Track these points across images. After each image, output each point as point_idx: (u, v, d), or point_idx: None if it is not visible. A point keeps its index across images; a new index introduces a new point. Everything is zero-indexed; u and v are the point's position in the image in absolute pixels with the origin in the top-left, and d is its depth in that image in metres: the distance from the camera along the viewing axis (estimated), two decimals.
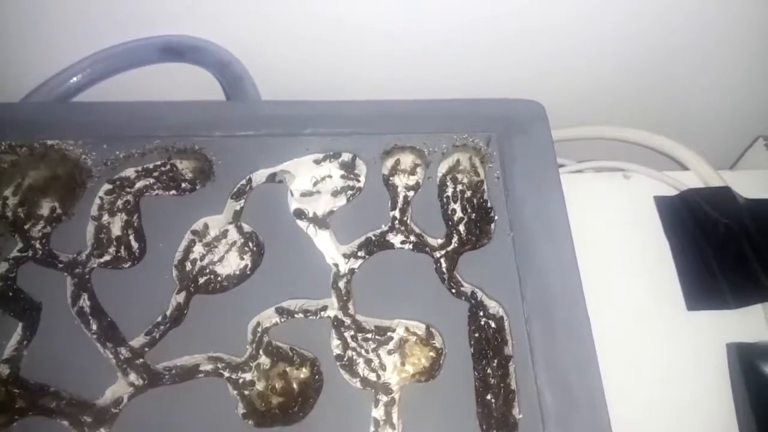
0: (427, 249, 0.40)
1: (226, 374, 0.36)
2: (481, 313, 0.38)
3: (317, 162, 0.43)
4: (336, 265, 0.39)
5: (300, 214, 0.41)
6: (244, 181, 0.41)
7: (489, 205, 0.41)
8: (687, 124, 0.58)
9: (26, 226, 0.39)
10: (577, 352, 0.36)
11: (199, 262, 0.39)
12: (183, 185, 0.41)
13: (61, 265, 0.38)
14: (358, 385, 0.36)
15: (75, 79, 0.49)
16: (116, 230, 0.40)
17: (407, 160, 0.43)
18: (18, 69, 0.50)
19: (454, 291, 0.38)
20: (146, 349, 0.36)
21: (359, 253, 0.40)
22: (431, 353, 0.37)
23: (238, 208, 0.40)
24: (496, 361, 0.36)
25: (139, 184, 0.41)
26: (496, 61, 0.53)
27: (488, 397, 0.35)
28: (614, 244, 0.46)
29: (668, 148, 0.51)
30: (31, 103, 0.47)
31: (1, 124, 0.42)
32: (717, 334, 0.43)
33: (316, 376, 0.36)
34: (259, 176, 0.41)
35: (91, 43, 0.49)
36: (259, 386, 0.36)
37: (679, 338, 0.43)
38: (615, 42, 0.52)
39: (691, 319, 0.44)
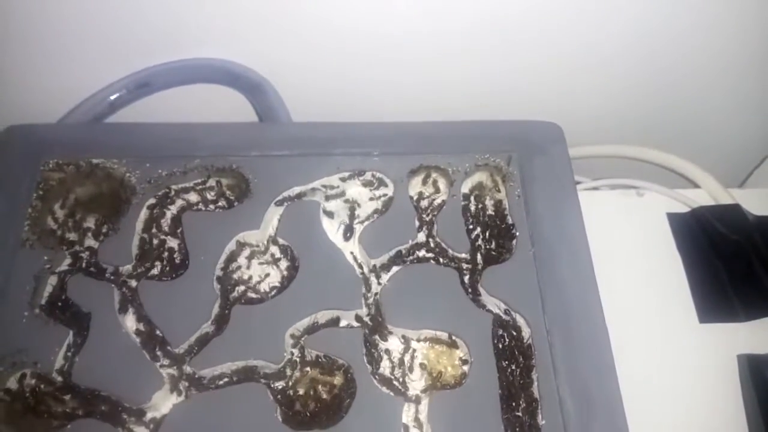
0: (452, 263, 0.42)
1: (265, 381, 0.38)
2: (504, 325, 0.40)
3: (344, 179, 0.45)
4: (366, 278, 0.41)
5: (332, 229, 0.43)
6: (289, 193, 0.43)
7: (510, 221, 0.43)
8: (698, 144, 0.60)
9: (75, 240, 0.42)
10: (597, 363, 0.38)
11: (238, 274, 0.41)
12: (222, 202, 0.44)
13: (108, 277, 0.40)
14: (389, 391, 0.38)
15: (112, 97, 0.52)
16: (160, 244, 0.42)
17: (433, 178, 0.45)
18: (52, 92, 0.53)
19: (478, 303, 0.40)
20: (190, 356, 0.38)
21: (388, 267, 0.42)
22: (457, 362, 0.39)
23: (276, 218, 0.43)
24: (519, 370, 0.38)
25: (181, 201, 0.43)
26: (513, 82, 0.55)
27: (513, 404, 0.37)
28: (629, 259, 0.48)
29: (680, 166, 0.53)
30: (77, 124, 0.49)
31: (49, 143, 0.45)
32: (728, 345, 0.44)
33: (350, 383, 0.38)
34: (294, 192, 0.44)
35: (117, 67, 0.51)
36: (296, 392, 0.38)
37: (692, 349, 0.45)
38: (628, 64, 0.54)
39: (703, 331, 0.45)
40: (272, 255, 0.42)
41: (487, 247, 0.43)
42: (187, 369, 0.38)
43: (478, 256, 0.42)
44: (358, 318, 0.40)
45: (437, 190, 0.45)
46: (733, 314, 0.46)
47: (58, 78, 0.53)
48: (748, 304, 0.46)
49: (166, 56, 0.51)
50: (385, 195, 0.45)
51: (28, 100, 0.54)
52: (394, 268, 0.42)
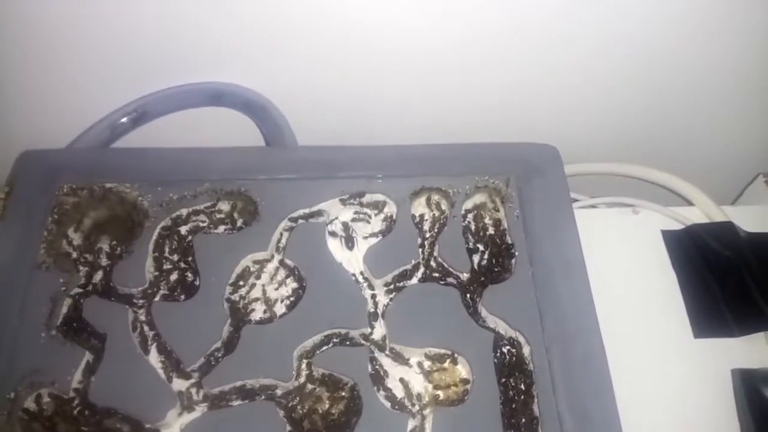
0: (453, 282, 0.43)
1: (275, 398, 0.39)
2: (505, 343, 0.41)
3: (346, 202, 0.46)
4: (371, 298, 0.43)
5: (338, 250, 0.45)
6: (296, 215, 0.45)
7: (510, 241, 0.45)
8: (692, 162, 0.61)
9: (89, 263, 0.43)
10: (594, 378, 0.39)
11: (248, 295, 0.43)
12: (231, 224, 0.45)
13: (122, 299, 0.42)
14: (394, 408, 0.39)
15: (122, 121, 0.53)
16: (172, 266, 0.43)
17: (434, 200, 0.47)
18: (61, 116, 0.54)
19: (479, 322, 0.42)
20: (202, 374, 0.39)
21: (392, 286, 0.43)
22: (459, 379, 0.40)
23: (284, 239, 0.44)
24: (519, 387, 0.40)
25: (192, 224, 0.45)
26: (512, 99, 0.56)
27: (513, 420, 0.38)
28: (624, 276, 0.49)
29: (674, 184, 0.54)
30: (90, 149, 0.50)
31: (63, 168, 0.46)
32: (722, 360, 0.45)
33: (356, 400, 0.39)
34: (301, 214, 0.45)
35: (126, 91, 0.52)
36: (305, 409, 0.39)
37: (687, 364, 0.46)
38: (622, 83, 0.55)
39: (697, 346, 0.46)
40: (280, 276, 0.44)
41: (487, 266, 0.44)
42: (200, 387, 0.39)
43: (479, 275, 0.44)
44: (363, 337, 0.41)
45: (439, 212, 0.46)
46: (727, 329, 0.47)
47: (66, 102, 0.54)
48: (742, 319, 0.47)
49: (173, 80, 0.52)
50: (388, 216, 0.46)
51: (37, 125, 0.55)
52: (398, 288, 0.43)
